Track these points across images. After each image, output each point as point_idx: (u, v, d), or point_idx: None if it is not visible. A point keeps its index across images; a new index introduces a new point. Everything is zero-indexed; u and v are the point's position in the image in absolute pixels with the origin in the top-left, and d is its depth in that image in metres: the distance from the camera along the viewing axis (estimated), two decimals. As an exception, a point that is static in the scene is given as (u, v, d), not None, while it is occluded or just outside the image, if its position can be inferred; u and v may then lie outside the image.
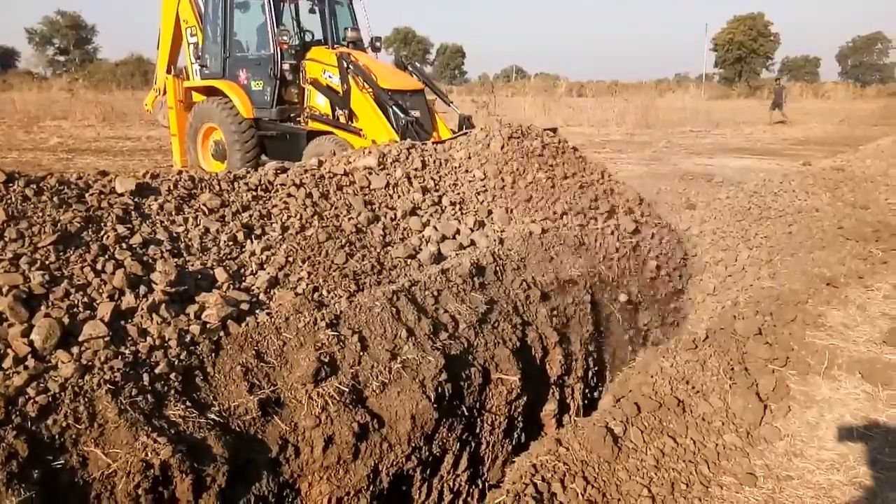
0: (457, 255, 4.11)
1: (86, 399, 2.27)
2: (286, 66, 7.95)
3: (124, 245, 3.09)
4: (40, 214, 3.10)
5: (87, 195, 3.39)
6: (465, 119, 7.96)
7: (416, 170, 5.03)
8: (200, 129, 8.64)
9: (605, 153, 15.11)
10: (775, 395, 2.93)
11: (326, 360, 2.83)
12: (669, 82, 51.65)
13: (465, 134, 6.00)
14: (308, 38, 8.39)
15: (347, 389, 2.77)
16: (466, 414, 3.17)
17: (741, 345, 3.31)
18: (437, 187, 4.94)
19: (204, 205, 3.72)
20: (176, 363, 2.53)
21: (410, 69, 8.32)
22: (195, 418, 2.38)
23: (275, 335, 2.88)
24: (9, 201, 3.13)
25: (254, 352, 2.76)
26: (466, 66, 75.71)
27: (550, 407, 3.62)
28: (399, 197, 4.64)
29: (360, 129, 7.39)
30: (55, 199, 3.24)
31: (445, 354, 3.13)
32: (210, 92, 8.69)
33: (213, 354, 2.66)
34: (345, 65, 7.47)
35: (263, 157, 8.14)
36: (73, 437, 2.19)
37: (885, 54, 59.91)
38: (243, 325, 2.84)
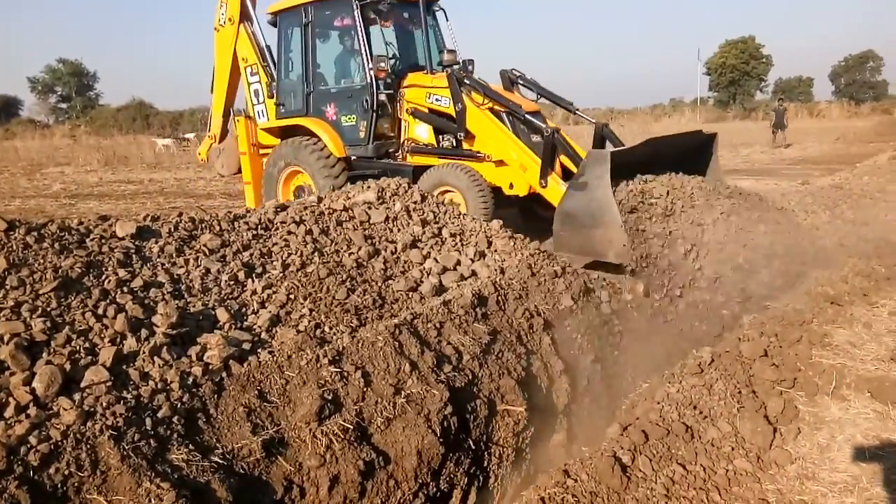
0: (458, 286, 4.11)
1: (88, 446, 2.25)
2: (382, 97, 7.22)
3: (125, 289, 3.10)
4: (41, 261, 3.12)
5: (87, 240, 3.41)
6: (602, 128, 6.78)
7: (415, 203, 5.06)
8: (282, 174, 7.76)
9: (603, 179, 15.16)
10: (784, 418, 2.89)
11: (330, 397, 2.81)
12: (665, 107, 52.20)
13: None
14: (399, 64, 7.71)
15: (352, 427, 2.75)
16: (473, 447, 3.13)
17: (747, 367, 3.28)
18: (437, 219, 4.97)
19: (205, 245, 3.73)
20: (178, 406, 2.52)
21: (521, 83, 7.26)
22: (198, 462, 2.35)
23: (277, 374, 2.86)
24: (10, 249, 3.15)
25: (256, 392, 2.74)
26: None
27: (558, 437, 3.58)
28: (399, 230, 4.66)
29: (485, 154, 6.65)
30: (56, 245, 3.26)
31: (450, 387, 3.11)
32: (287, 133, 7.89)
33: (215, 396, 2.64)
34: (457, 82, 6.72)
35: None
36: (76, 485, 2.16)
37: (878, 72, 60.54)
38: (245, 364, 2.83)
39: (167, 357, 2.74)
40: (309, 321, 3.33)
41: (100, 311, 2.87)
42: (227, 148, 9.09)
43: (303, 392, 2.81)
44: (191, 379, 2.66)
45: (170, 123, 46.93)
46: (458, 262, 4.39)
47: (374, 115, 7.19)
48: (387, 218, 4.74)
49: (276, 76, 8.14)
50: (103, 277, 3.13)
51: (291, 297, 3.51)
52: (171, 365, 2.70)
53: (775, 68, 59.45)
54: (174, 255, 3.55)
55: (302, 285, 3.63)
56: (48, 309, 2.82)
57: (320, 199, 4.97)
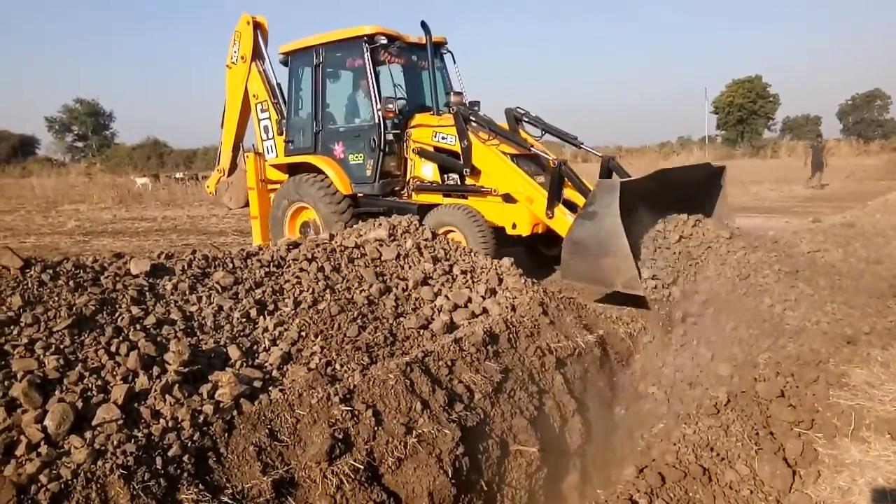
0: (469, 323, 4.09)
1: (98, 485, 2.23)
2: (389, 136, 7.35)
3: (138, 326, 3.11)
4: (56, 299, 3.14)
5: (102, 278, 3.44)
6: (609, 160, 6.60)
7: (426, 240, 5.09)
8: (288, 210, 7.95)
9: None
10: (803, 460, 2.82)
11: (340, 436, 2.78)
12: (673, 145, 52.52)
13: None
14: (406, 105, 7.86)
15: (362, 467, 2.71)
16: (486, 488, 3.07)
17: (764, 408, 3.23)
18: (448, 256, 4.98)
19: (217, 283, 3.76)
20: (189, 445, 2.50)
21: (526, 121, 7.16)
22: (208, 502, 2.32)
23: (288, 412, 2.84)
24: (25, 287, 3.19)
25: (267, 430, 2.72)
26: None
27: (572, 478, 3.51)
28: (410, 267, 4.67)
29: (490, 188, 6.77)
30: (71, 283, 3.29)
31: (462, 426, 3.07)
32: (295, 170, 8.13)
33: (226, 434, 2.62)
34: (462, 120, 6.83)
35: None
36: (85, 525, 2.14)
37: (886, 110, 60.83)
38: (256, 402, 2.82)
39: (178, 395, 2.73)
40: (320, 359, 3.32)
41: (112, 349, 2.88)
42: (235, 182, 9.23)
43: (313, 431, 2.78)
44: (202, 417, 2.65)
45: (184, 161, 47.67)
46: (469, 300, 4.39)
47: (381, 153, 7.32)
48: (398, 255, 4.76)
49: (286, 114, 8.30)
50: (117, 315, 3.15)
51: (303, 334, 3.51)
52: (183, 403, 2.69)
53: (782, 107, 59.86)
54: (187, 293, 3.57)
55: (313, 322, 3.63)
56: (61, 346, 2.83)
57: (332, 237, 5.00)
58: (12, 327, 2.90)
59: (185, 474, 2.40)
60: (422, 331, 3.92)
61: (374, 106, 7.27)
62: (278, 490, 2.52)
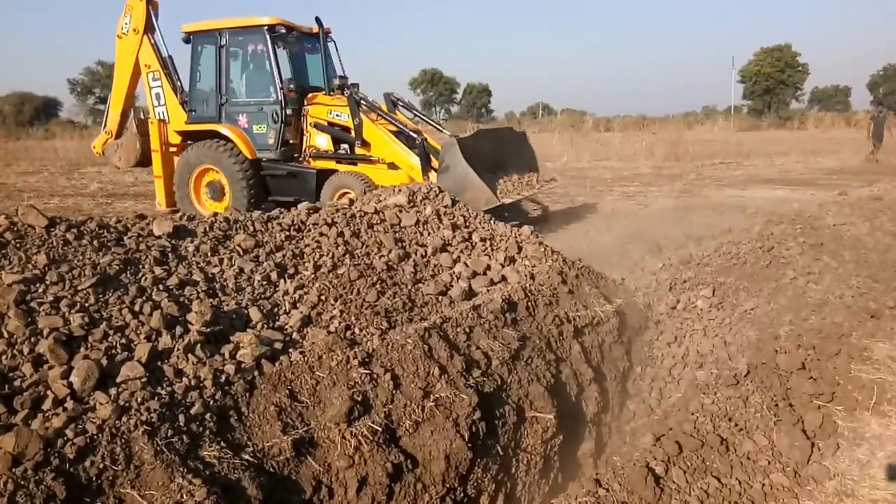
0: (488, 290, 4.09)
1: (122, 440, 2.28)
2: (289, 111, 8.73)
3: (161, 286, 3.14)
4: (80, 258, 3.18)
5: (125, 238, 3.47)
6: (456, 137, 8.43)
7: (445, 207, 5.06)
8: (194, 171, 9.10)
9: (634, 186, 15.05)
10: (822, 432, 2.81)
11: (359, 398, 2.81)
12: (697, 115, 51.41)
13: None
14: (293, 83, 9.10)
15: (380, 429, 2.75)
16: (501, 454, 3.10)
17: (784, 380, 3.21)
18: (468, 224, 4.96)
19: (239, 245, 3.78)
20: (211, 403, 2.54)
21: (401, 105, 9.26)
22: (229, 459, 2.37)
23: (308, 374, 2.87)
24: (50, 245, 3.23)
25: (287, 391, 2.76)
26: (493, 104, 76.72)
27: (588, 446, 3.53)
28: (429, 234, 4.66)
29: (378, 158, 8.31)
30: (95, 242, 3.33)
31: (479, 392, 3.09)
32: (197, 136, 9.20)
33: (247, 394, 2.66)
34: (355, 102, 8.43)
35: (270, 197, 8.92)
36: (110, 478, 2.19)
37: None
38: (277, 364, 2.85)
39: (201, 355, 2.77)
40: (339, 322, 3.34)
41: (136, 308, 2.92)
42: (125, 143, 10.06)
43: (333, 393, 2.82)
44: (223, 377, 2.69)
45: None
46: (488, 267, 4.38)
47: (283, 125, 8.75)
48: (417, 221, 4.74)
49: (188, 86, 9.43)
50: (140, 275, 3.19)
51: (322, 298, 3.53)
52: (205, 362, 2.73)
53: (811, 77, 58.22)
54: (209, 255, 3.60)
55: (333, 287, 3.64)
56: (86, 304, 2.87)
57: (352, 202, 5.00)
58: (38, 285, 2.94)
59: (207, 432, 2.44)
60: (440, 297, 3.92)
61: (276, 85, 8.70)
62: (298, 449, 2.57)
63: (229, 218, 4.10)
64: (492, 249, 4.67)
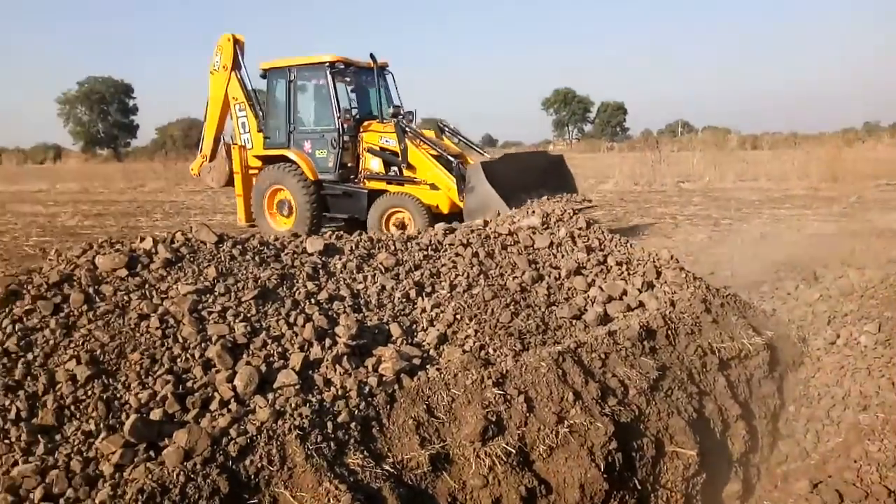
0: (624, 316, 3.98)
1: (278, 443, 2.47)
2: (346, 138, 9.77)
3: (313, 300, 3.38)
4: (244, 272, 3.50)
5: (282, 254, 3.77)
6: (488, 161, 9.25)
7: (580, 229, 5.00)
8: (267, 191, 10.27)
9: (785, 209, 13.98)
10: None
11: (493, 419, 2.84)
12: (858, 132, 46.76)
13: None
14: (358, 114, 10.24)
15: (514, 451, 2.76)
16: (639, 487, 2.99)
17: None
18: (602, 246, 4.87)
19: (381, 263, 3.97)
20: (355, 413, 2.68)
21: (448, 132, 10.33)
22: (372, 468, 2.49)
23: (444, 391, 2.95)
24: (219, 260, 3.58)
25: (425, 406, 2.85)
26: (628, 122, 74.76)
27: (734, 487, 3.31)
28: (563, 256, 4.62)
29: (421, 179, 9.26)
30: (256, 258, 3.64)
31: (615, 421, 3.01)
32: (272, 160, 10.34)
33: (388, 407, 2.78)
34: (402, 130, 9.38)
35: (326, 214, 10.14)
36: (266, 477, 2.38)
37: None
38: (415, 379, 2.96)
39: (347, 366, 2.94)
40: (474, 342, 3.41)
41: (291, 320, 3.16)
42: (217, 166, 11.36)
43: (467, 411, 2.87)
44: (367, 388, 2.83)
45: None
46: (625, 292, 4.26)
47: (341, 150, 9.73)
48: (551, 243, 4.73)
49: (264, 116, 10.59)
50: (294, 289, 3.44)
51: (458, 317, 3.61)
52: (351, 374, 2.90)
53: None
54: (355, 272, 3.81)
55: (468, 306, 3.72)
56: (248, 315, 3.15)
57: (486, 223, 5.08)
58: (208, 296, 3.27)
59: (352, 440, 2.58)
60: (574, 321, 3.88)
61: (335, 115, 9.72)
62: (434, 464, 2.64)
63: (372, 237, 4.33)
64: (628, 274, 4.54)
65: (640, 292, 4.31)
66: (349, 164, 9.95)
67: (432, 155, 9.24)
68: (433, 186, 9.12)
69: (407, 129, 9.45)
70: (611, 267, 4.63)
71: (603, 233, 5.08)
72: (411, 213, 9.01)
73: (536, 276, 4.27)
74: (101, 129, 64.52)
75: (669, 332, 3.79)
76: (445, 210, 9.16)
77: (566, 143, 65.92)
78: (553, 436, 2.89)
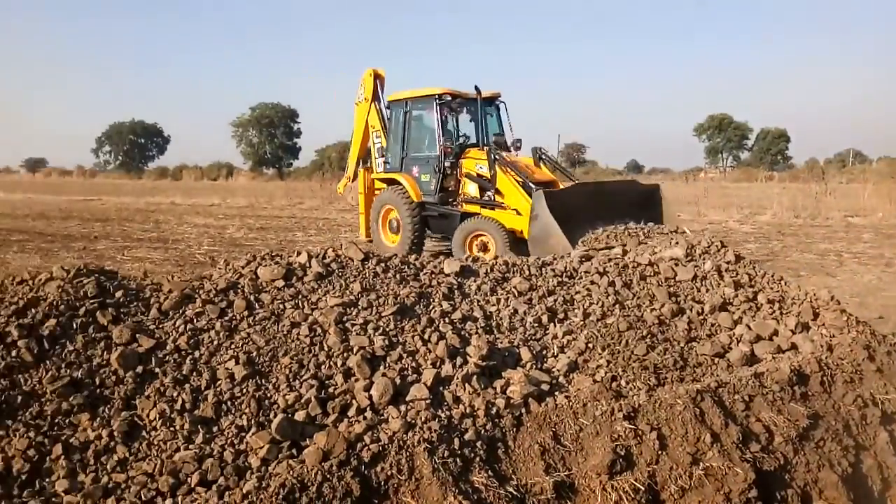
0: (773, 358, 3.72)
1: (407, 453, 2.59)
2: (447, 164, 10.49)
3: (447, 319, 3.51)
4: (385, 288, 3.71)
5: (421, 274, 3.95)
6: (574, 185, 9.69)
7: (728, 263, 4.75)
8: (382, 210, 11.35)
9: None
10: None
11: (622, 453, 2.77)
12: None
13: None
14: (464, 140, 11.05)
15: (643, 488, 2.67)
16: (780, 542, 2.77)
17: None
18: (753, 282, 4.58)
19: (514, 287, 4.03)
20: (482, 432, 2.74)
21: (545, 159, 10.58)
22: (496, 488, 2.53)
23: (572, 419, 2.93)
24: (363, 276, 3.82)
25: (551, 433, 2.85)
26: (791, 150, 69.21)
27: (895, 558, 2.96)
28: (707, 290, 4.41)
29: (507, 204, 9.66)
30: (397, 276, 3.85)
31: (756, 468, 2.82)
32: (390, 182, 11.43)
33: (514, 429, 2.82)
34: (492, 157, 9.89)
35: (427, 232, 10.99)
36: (395, 485, 2.50)
37: None
38: (543, 405, 2.96)
39: (476, 386, 3.01)
40: (605, 372, 3.35)
41: (426, 337, 3.30)
42: (356, 187, 12.69)
43: (595, 442, 2.83)
44: (494, 409, 2.88)
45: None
46: (776, 332, 3.97)
47: (441, 175, 10.50)
48: (695, 276, 4.52)
49: (386, 142, 11.72)
50: (430, 307, 3.60)
51: (590, 345, 3.57)
52: (479, 394, 2.97)
53: None
54: (488, 294, 3.90)
55: (601, 335, 3.67)
56: (387, 329, 3.34)
57: (625, 252, 4.97)
58: (352, 309, 3.51)
59: (478, 458, 2.64)
60: (716, 359, 3.68)
61: (438, 142, 10.49)
62: (558, 491, 2.62)
63: (507, 261, 4.40)
64: (780, 313, 4.23)
65: (794, 333, 4.00)
66: (450, 188, 10.66)
67: (517, 181, 9.63)
68: (518, 212, 9.44)
69: (496, 156, 9.93)
70: (761, 304, 4.33)
71: (753, 268, 4.78)
72: (493, 237, 9.41)
73: (677, 310, 4.11)
74: (268, 151, 70.57)
75: (825, 378, 3.48)
76: (528, 235, 9.54)
77: (719, 170, 62.35)
78: (686, 477, 2.76)
